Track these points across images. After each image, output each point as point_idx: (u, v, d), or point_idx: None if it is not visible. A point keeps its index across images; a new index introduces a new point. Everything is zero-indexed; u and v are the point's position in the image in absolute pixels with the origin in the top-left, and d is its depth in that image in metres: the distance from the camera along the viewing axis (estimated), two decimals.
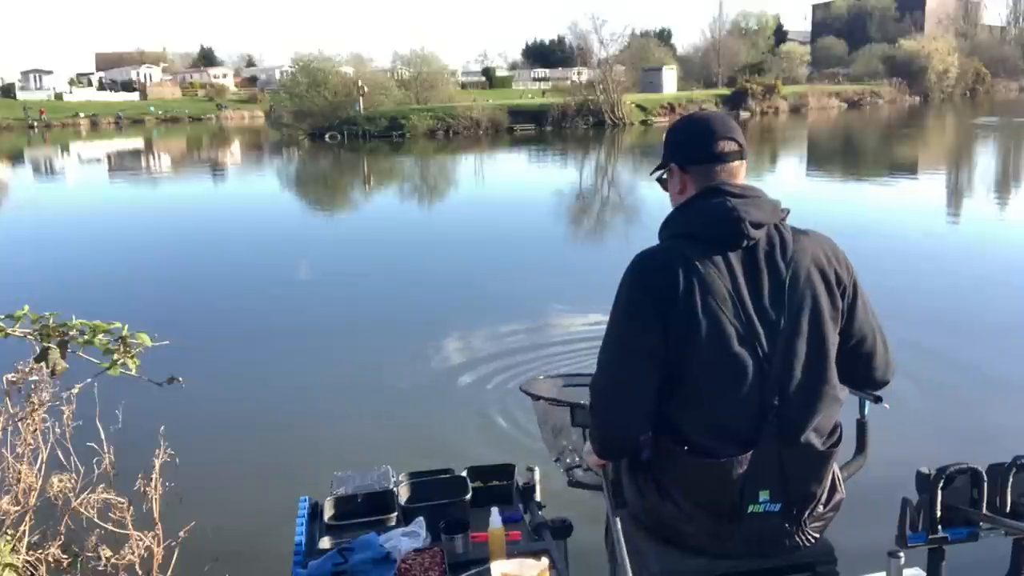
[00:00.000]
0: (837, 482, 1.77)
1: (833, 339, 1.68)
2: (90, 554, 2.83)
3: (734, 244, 1.65)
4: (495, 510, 2.13)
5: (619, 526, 1.77)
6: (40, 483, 2.87)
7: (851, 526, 1.84)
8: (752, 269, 1.65)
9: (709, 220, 1.67)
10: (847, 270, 1.72)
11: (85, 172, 28.85)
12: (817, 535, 1.74)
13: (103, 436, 2.92)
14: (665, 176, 1.83)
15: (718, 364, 1.62)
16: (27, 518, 2.85)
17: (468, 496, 2.38)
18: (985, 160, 22.73)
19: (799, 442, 1.64)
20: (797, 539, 1.72)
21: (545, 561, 1.85)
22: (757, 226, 1.65)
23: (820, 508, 1.73)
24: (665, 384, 1.66)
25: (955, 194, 16.09)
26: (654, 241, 1.77)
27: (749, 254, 1.65)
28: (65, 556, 2.87)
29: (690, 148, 1.76)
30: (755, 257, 1.65)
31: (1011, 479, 1.74)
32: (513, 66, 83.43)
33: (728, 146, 1.73)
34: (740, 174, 1.75)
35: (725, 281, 1.62)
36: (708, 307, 1.60)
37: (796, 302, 1.64)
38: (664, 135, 1.86)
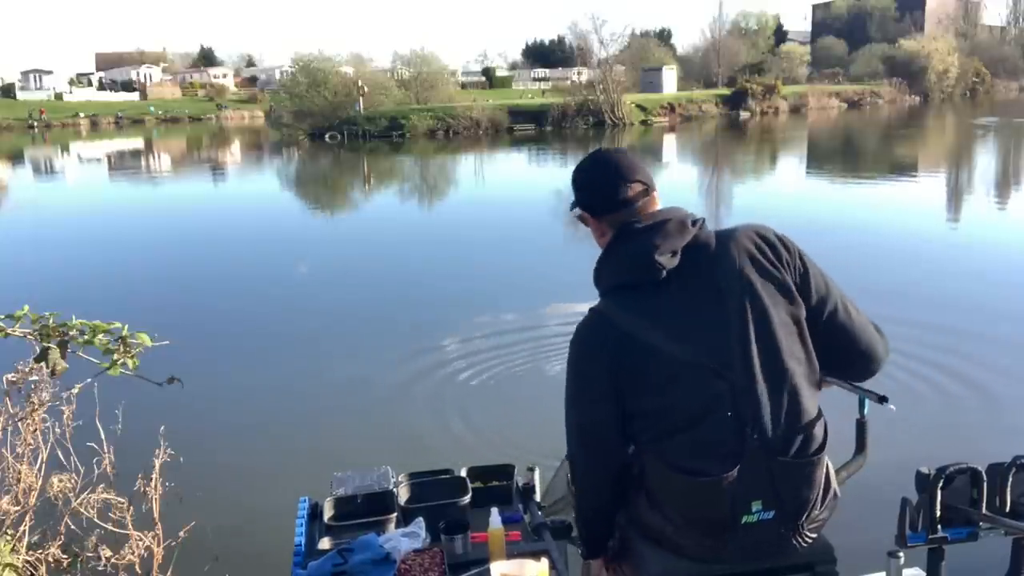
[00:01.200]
0: (831, 480, 1.75)
1: (787, 327, 1.64)
2: (90, 554, 2.84)
3: (653, 281, 1.64)
4: (495, 510, 2.13)
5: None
6: (40, 483, 2.87)
7: (851, 526, 1.84)
8: (681, 295, 1.63)
9: (624, 266, 1.69)
10: (786, 249, 1.68)
11: (85, 172, 28.86)
12: (814, 535, 1.74)
13: (103, 436, 2.92)
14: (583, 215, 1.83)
15: (683, 400, 1.63)
16: (27, 518, 2.85)
17: (468, 496, 2.38)
18: (985, 160, 22.73)
19: (785, 449, 1.63)
20: (794, 543, 1.71)
21: (545, 561, 1.85)
22: (671, 252, 1.64)
23: (816, 511, 1.71)
24: (640, 425, 1.69)
25: (955, 194, 16.09)
26: None
27: (672, 282, 1.64)
28: (65, 556, 2.88)
29: (598, 199, 1.77)
30: (680, 281, 1.64)
31: (1011, 479, 1.74)
32: (513, 66, 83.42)
33: (633, 189, 1.73)
34: (653, 207, 1.75)
35: (661, 319, 1.63)
36: (652, 354, 1.62)
37: (735, 307, 1.61)
38: (572, 175, 1.83)
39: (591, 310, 1.74)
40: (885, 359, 1.76)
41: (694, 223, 1.69)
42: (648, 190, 1.75)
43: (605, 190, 1.75)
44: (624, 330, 1.64)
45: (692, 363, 1.61)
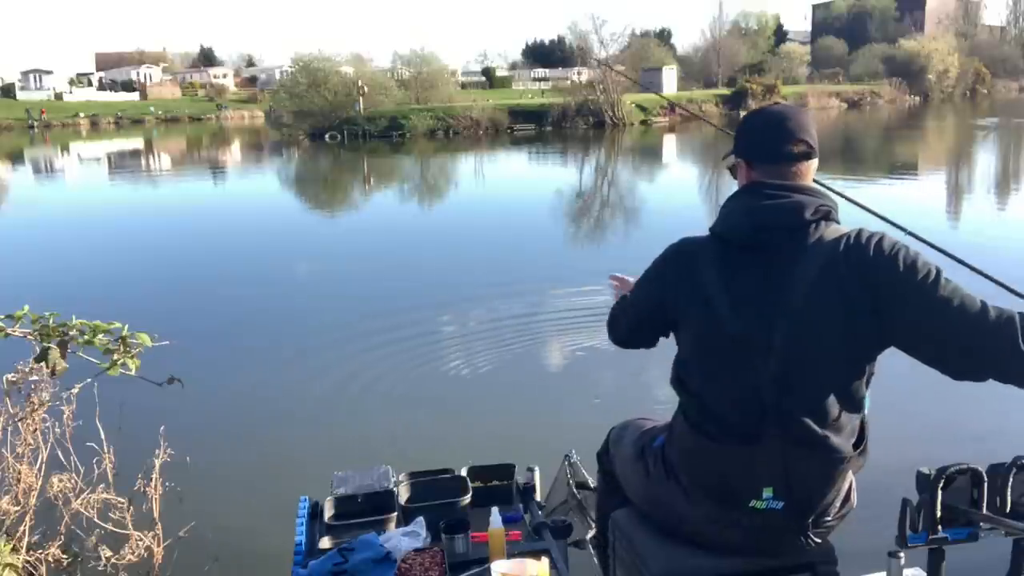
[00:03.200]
0: (852, 492, 1.77)
1: (849, 344, 1.62)
2: (90, 554, 2.84)
3: (749, 243, 1.67)
4: (495, 510, 2.13)
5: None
6: (40, 483, 2.87)
7: (851, 526, 1.84)
8: (764, 268, 1.65)
9: (729, 217, 1.72)
10: (881, 256, 1.60)
11: (85, 172, 28.85)
12: (819, 540, 1.75)
13: (103, 436, 2.92)
14: (735, 165, 1.84)
15: (714, 359, 1.69)
16: (27, 518, 2.85)
17: (468, 496, 2.38)
18: (986, 161, 22.72)
19: (805, 443, 1.64)
20: (799, 542, 1.72)
21: (545, 561, 1.85)
22: (776, 227, 1.65)
23: (827, 516, 1.73)
24: (680, 362, 1.78)
25: (955, 194, 16.09)
26: (652, 241, 1.81)
27: (763, 253, 1.65)
28: (65, 556, 2.88)
29: (761, 146, 1.75)
30: (769, 256, 1.65)
31: (1011, 479, 1.74)
32: (513, 66, 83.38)
33: (799, 147, 1.71)
34: (807, 173, 1.73)
35: (734, 279, 1.66)
36: (702, 306, 1.68)
37: (799, 299, 1.61)
38: (738, 126, 1.85)
39: (692, 236, 1.82)
40: (1002, 360, 1.57)
41: (819, 210, 1.66)
42: (810, 154, 1.72)
43: (768, 139, 1.74)
44: (693, 262, 1.72)
45: (734, 334, 1.64)
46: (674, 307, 1.75)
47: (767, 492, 1.66)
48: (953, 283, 1.58)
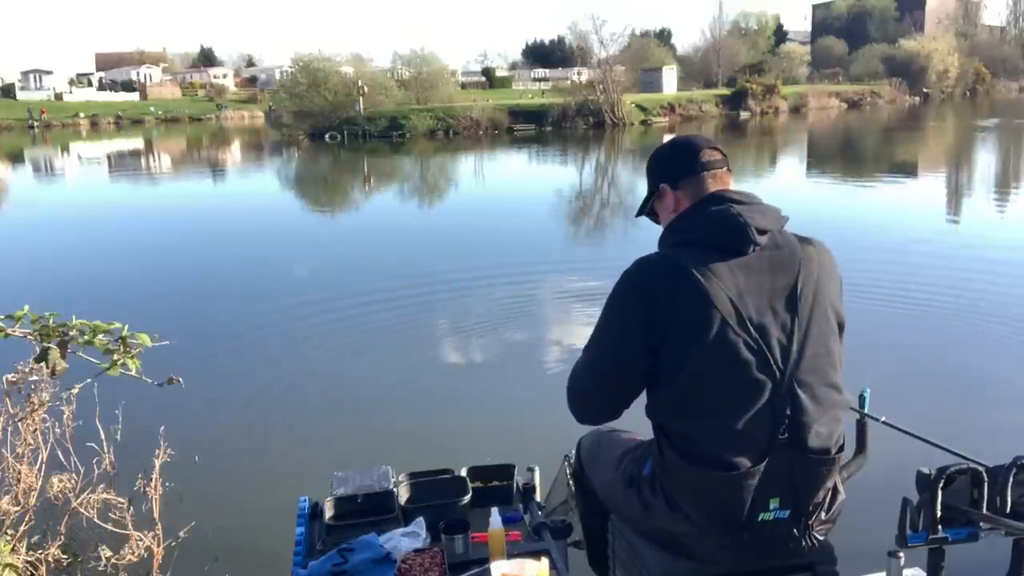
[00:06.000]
0: (838, 484, 1.77)
1: (838, 346, 1.69)
2: (90, 554, 2.84)
3: (739, 250, 1.61)
4: (495, 510, 2.13)
5: None
6: (40, 483, 2.87)
7: (851, 526, 1.84)
8: (758, 276, 1.61)
9: (713, 226, 1.64)
10: (839, 277, 1.76)
11: (85, 172, 28.85)
12: (822, 538, 1.75)
13: (103, 436, 2.92)
14: (652, 206, 1.85)
15: (727, 375, 1.58)
16: (27, 518, 2.85)
17: (468, 496, 2.38)
18: (985, 162, 22.72)
19: (809, 450, 1.63)
20: (804, 543, 1.72)
21: (545, 561, 1.85)
22: (762, 232, 1.63)
23: (823, 514, 1.73)
24: (671, 396, 1.63)
25: (955, 194, 16.08)
26: (652, 241, 1.79)
27: (755, 261, 1.62)
28: (65, 556, 2.88)
29: (677, 164, 1.79)
30: (761, 264, 1.62)
31: (1011, 479, 1.74)
32: (513, 66, 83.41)
33: (712, 155, 1.77)
34: (729, 182, 1.77)
35: (729, 289, 1.58)
36: (710, 317, 1.56)
37: (805, 310, 1.62)
38: (646, 167, 1.88)
39: (656, 252, 1.71)
40: None
41: (782, 217, 1.71)
42: (726, 161, 1.78)
43: (682, 153, 1.78)
44: (692, 272, 1.58)
45: (744, 344, 1.57)
46: (672, 319, 1.58)
47: (774, 503, 1.64)
48: None
